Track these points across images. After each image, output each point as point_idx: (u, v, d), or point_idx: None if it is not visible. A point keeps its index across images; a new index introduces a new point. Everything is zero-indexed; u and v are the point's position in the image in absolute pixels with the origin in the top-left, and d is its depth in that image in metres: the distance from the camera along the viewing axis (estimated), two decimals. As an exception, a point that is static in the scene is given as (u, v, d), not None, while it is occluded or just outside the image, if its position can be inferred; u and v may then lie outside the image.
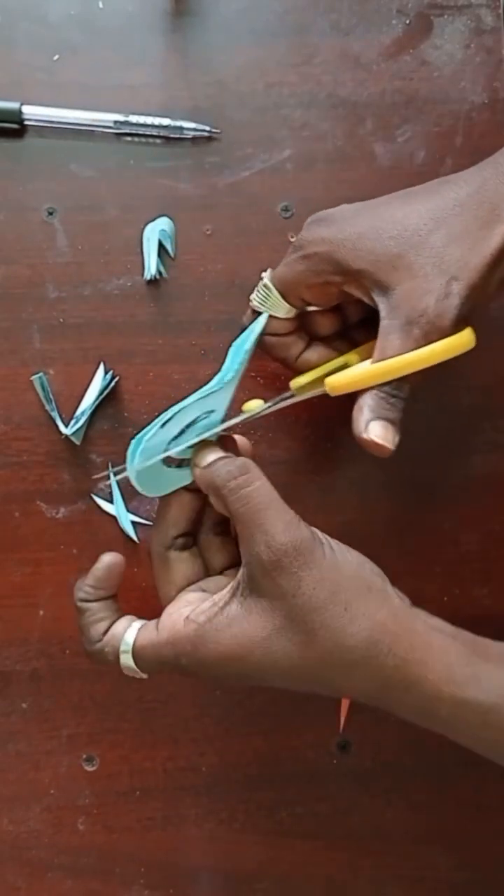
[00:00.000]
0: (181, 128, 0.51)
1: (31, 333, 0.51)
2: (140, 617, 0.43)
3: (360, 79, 0.52)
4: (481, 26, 0.53)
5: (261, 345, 0.47)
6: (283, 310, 0.45)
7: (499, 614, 0.52)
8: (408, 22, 0.53)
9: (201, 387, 0.42)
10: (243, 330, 0.45)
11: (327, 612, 0.38)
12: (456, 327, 0.41)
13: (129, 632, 0.41)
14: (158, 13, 0.52)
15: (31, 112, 0.51)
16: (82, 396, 0.51)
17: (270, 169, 0.52)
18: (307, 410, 0.51)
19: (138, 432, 0.41)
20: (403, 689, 0.39)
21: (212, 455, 0.42)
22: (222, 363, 0.44)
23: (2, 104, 0.50)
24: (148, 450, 0.41)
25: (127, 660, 0.41)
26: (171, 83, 0.52)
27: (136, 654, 0.41)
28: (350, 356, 0.46)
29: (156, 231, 0.51)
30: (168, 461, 0.42)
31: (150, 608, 0.51)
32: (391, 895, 0.52)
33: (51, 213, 0.51)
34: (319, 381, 0.46)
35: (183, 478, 0.43)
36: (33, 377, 0.51)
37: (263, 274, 0.46)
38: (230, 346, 0.44)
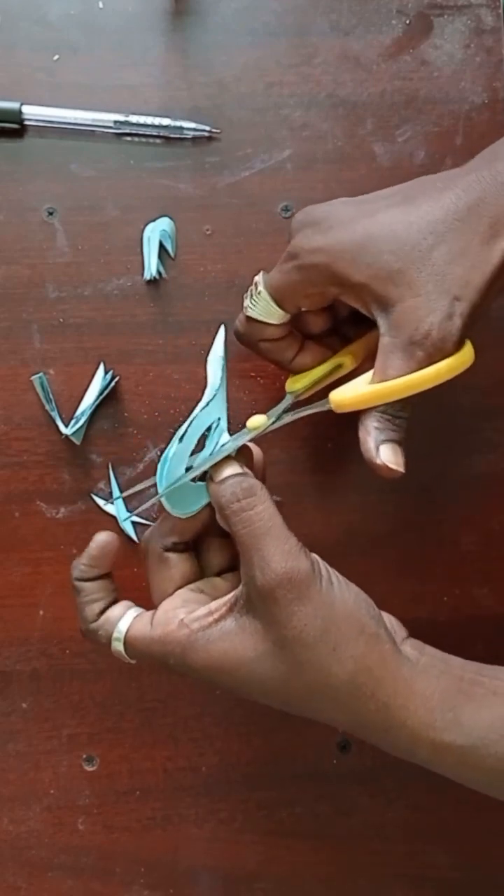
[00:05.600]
0: (181, 128, 0.51)
1: (31, 333, 0.51)
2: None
3: (360, 79, 0.52)
4: (481, 26, 0.53)
5: (256, 349, 0.47)
6: (278, 316, 0.45)
7: (499, 614, 0.52)
8: (408, 22, 0.53)
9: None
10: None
11: (315, 649, 0.39)
12: (458, 347, 0.41)
13: (124, 620, 0.42)
14: (158, 13, 0.52)
15: (31, 112, 0.51)
16: (82, 396, 0.51)
17: (270, 169, 0.52)
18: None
19: (162, 452, 0.42)
20: (383, 731, 0.40)
21: (227, 470, 0.42)
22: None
23: (2, 104, 0.50)
24: (172, 466, 0.42)
25: (118, 646, 0.42)
26: (171, 83, 0.52)
27: (128, 643, 0.42)
28: (344, 358, 0.46)
29: (156, 231, 0.51)
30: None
31: (151, 608, 0.51)
32: (391, 895, 0.52)
33: (51, 213, 0.51)
34: (316, 383, 0.46)
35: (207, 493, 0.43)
36: (33, 377, 0.51)
37: (257, 278, 0.45)
38: (206, 360, 0.45)
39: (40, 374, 0.50)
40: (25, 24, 0.51)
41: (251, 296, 0.45)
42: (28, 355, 0.51)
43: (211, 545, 0.45)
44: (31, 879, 0.51)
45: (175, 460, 0.42)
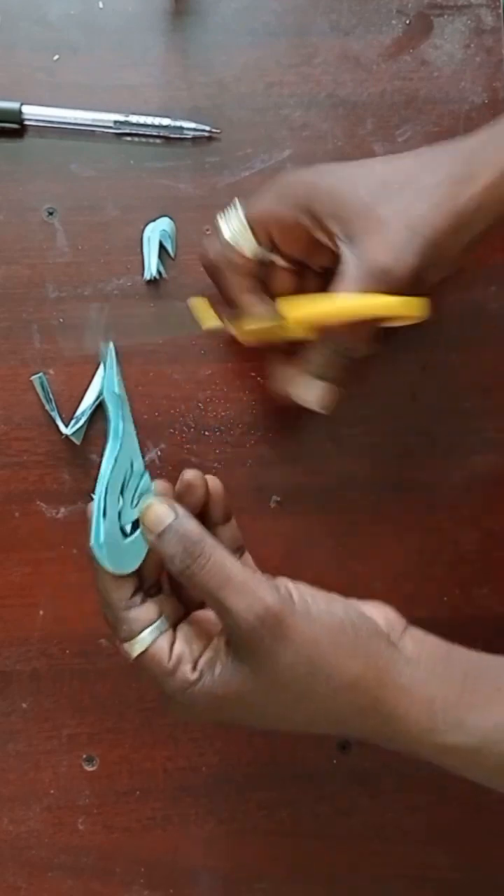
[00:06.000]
0: (181, 128, 0.51)
1: (31, 333, 0.51)
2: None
3: (360, 79, 0.52)
4: (481, 26, 0.53)
5: (220, 281, 0.46)
6: (249, 245, 0.45)
7: (499, 614, 0.52)
8: (408, 22, 0.53)
9: (104, 451, 0.40)
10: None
11: (309, 683, 0.38)
12: (412, 284, 0.41)
13: (147, 634, 0.40)
14: (158, 13, 0.52)
15: (31, 112, 0.51)
16: (82, 396, 0.51)
17: (270, 169, 0.52)
18: (308, 410, 0.51)
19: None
20: (387, 739, 0.39)
21: (161, 519, 0.39)
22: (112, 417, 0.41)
23: (2, 104, 0.50)
24: (109, 541, 0.39)
25: (132, 652, 0.40)
26: (171, 83, 0.52)
27: (142, 660, 0.40)
28: None
29: (156, 231, 0.51)
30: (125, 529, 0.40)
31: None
32: (391, 895, 0.52)
33: (51, 213, 0.51)
34: (266, 333, 0.46)
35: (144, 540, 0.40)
36: (33, 377, 0.51)
37: (235, 200, 0.45)
38: (101, 400, 0.42)
39: (40, 374, 0.50)
40: (25, 24, 0.51)
41: (226, 216, 0.45)
42: (28, 355, 0.51)
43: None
44: (31, 879, 0.51)
45: (109, 537, 0.39)
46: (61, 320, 0.51)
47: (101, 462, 0.39)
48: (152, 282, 0.51)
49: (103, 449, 0.40)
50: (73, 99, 0.51)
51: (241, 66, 0.52)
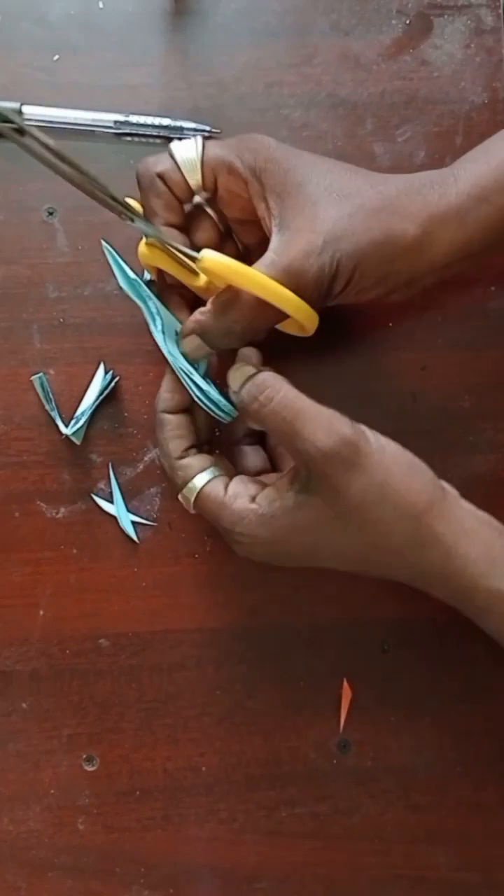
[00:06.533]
0: (181, 128, 0.51)
1: (31, 333, 0.51)
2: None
3: (360, 79, 0.52)
4: (481, 26, 0.53)
5: (148, 185, 0.45)
6: (194, 177, 0.44)
7: (499, 614, 0.52)
8: (408, 22, 0.53)
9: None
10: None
11: (377, 512, 0.40)
12: (316, 290, 0.42)
13: (202, 476, 0.44)
14: (158, 13, 0.52)
15: (31, 112, 0.51)
16: (82, 396, 0.51)
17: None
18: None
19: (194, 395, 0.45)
20: (444, 579, 0.41)
21: (239, 377, 0.43)
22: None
23: (2, 104, 0.50)
24: (210, 393, 0.45)
25: (189, 496, 0.44)
26: (171, 83, 0.52)
27: (200, 498, 0.44)
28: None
29: (156, 231, 0.51)
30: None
31: (151, 608, 0.51)
32: (391, 895, 0.52)
33: (51, 213, 0.51)
34: (169, 262, 0.45)
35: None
36: (33, 377, 0.51)
37: (199, 137, 0.45)
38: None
39: (40, 374, 0.50)
40: (25, 24, 0.51)
41: (184, 145, 0.44)
42: (28, 355, 0.51)
43: (241, 452, 0.48)
44: (31, 879, 0.51)
45: (206, 391, 0.44)
46: (61, 320, 0.51)
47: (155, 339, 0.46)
48: (152, 281, 0.51)
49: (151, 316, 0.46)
50: (73, 99, 0.51)
51: (241, 66, 0.52)
